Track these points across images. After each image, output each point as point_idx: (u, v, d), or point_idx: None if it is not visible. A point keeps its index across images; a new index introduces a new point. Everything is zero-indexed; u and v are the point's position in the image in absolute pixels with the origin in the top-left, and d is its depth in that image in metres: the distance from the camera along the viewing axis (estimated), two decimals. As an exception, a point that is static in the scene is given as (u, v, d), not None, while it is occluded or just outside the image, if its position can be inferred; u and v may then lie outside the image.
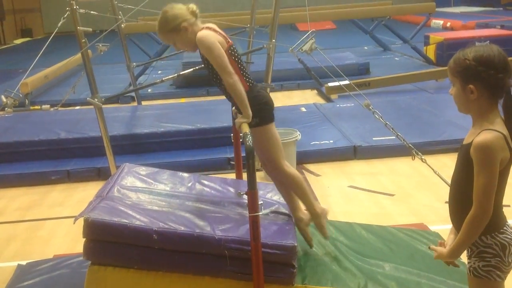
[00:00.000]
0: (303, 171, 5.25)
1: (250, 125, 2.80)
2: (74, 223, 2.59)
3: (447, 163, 5.16)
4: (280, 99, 8.27)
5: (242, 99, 2.79)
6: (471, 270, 2.04)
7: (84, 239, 2.56)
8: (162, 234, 2.52)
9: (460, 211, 2.02)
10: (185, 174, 3.39)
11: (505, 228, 2.01)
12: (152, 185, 3.15)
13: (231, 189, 3.21)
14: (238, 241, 2.54)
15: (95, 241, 2.54)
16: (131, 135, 5.77)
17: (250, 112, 2.78)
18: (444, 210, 4.15)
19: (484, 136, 1.89)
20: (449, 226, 3.95)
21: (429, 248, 2.24)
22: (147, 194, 3.01)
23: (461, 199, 2.03)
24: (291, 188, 3.03)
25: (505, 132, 1.91)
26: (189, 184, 3.25)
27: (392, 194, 4.58)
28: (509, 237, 2.01)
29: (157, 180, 3.23)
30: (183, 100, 8.60)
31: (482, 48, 1.95)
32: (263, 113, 2.89)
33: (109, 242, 2.53)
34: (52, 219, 4.49)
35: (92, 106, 5.07)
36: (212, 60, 2.82)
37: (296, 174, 3.04)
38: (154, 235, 2.50)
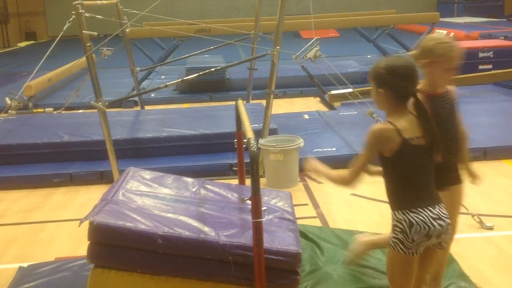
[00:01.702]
0: (306, 178, 5.24)
1: None
2: (79, 226, 2.59)
3: (450, 173, 5.16)
4: (283, 106, 8.28)
5: None
6: (388, 239, 2.37)
7: (88, 242, 2.56)
8: (167, 238, 2.52)
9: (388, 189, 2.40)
10: (190, 179, 3.39)
11: (420, 210, 2.28)
12: (157, 189, 3.15)
13: (235, 195, 3.20)
14: (242, 247, 2.53)
15: (100, 244, 2.54)
16: (134, 139, 5.78)
17: None
18: (447, 220, 4.16)
19: (377, 125, 2.35)
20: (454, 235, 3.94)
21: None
22: (152, 198, 3.01)
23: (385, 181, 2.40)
24: None
25: (403, 126, 2.28)
26: (194, 189, 3.25)
27: (394, 203, 4.57)
28: (419, 218, 2.26)
29: (161, 184, 3.23)
30: (186, 105, 8.61)
31: (393, 59, 2.37)
32: None
33: (113, 245, 2.53)
34: (54, 221, 4.49)
35: (95, 110, 5.08)
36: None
37: None
38: (158, 240, 2.49)
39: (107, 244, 2.54)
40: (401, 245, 2.29)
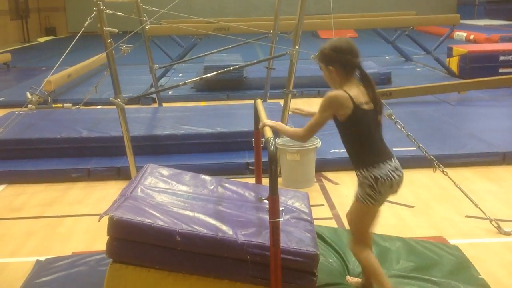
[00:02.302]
0: (322, 179, 5.23)
1: None
2: (99, 220, 2.61)
3: (468, 176, 5.12)
4: (300, 106, 8.25)
5: None
6: (355, 195, 2.73)
7: (107, 237, 2.58)
8: (185, 236, 2.53)
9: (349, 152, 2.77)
10: (207, 177, 3.40)
11: (381, 164, 2.64)
12: (175, 186, 3.16)
13: (253, 194, 3.20)
14: (260, 246, 2.53)
15: (119, 240, 2.55)
16: (152, 136, 5.81)
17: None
18: (465, 224, 4.14)
19: (333, 92, 2.67)
20: (470, 240, 3.92)
21: None
22: (170, 195, 3.02)
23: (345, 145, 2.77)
24: None
25: (355, 94, 2.63)
26: (211, 187, 3.26)
27: (411, 206, 4.54)
28: (383, 172, 2.63)
29: (180, 181, 3.24)
30: (203, 103, 8.63)
31: (335, 40, 2.73)
32: None
33: (132, 241, 2.54)
34: (72, 216, 4.52)
35: (113, 106, 5.11)
36: None
37: None
38: (177, 237, 2.50)
39: (126, 240, 2.55)
40: (370, 199, 2.66)
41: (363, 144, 2.67)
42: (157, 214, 2.65)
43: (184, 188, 3.17)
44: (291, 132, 2.86)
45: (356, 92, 2.64)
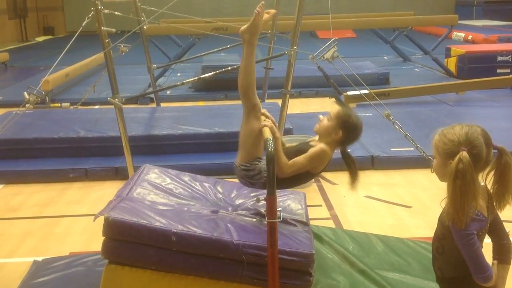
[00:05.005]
0: (320, 179, 5.23)
1: None
2: (94, 220, 2.60)
3: (466, 177, 5.11)
4: (298, 106, 8.27)
5: None
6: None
7: (103, 238, 2.57)
8: (181, 236, 2.52)
9: None
10: (204, 178, 3.40)
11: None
12: (171, 187, 3.15)
13: (250, 195, 3.19)
14: (256, 246, 2.52)
15: (114, 240, 2.55)
16: (149, 136, 5.80)
17: None
18: (462, 225, 4.12)
19: (328, 148, 2.85)
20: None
21: None
22: (166, 196, 3.01)
23: None
24: None
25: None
26: (208, 188, 3.26)
27: (409, 206, 4.54)
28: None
29: (176, 182, 3.23)
30: (201, 103, 8.63)
31: (359, 119, 2.97)
32: None
33: (128, 241, 2.53)
34: (69, 216, 4.52)
35: (111, 106, 5.10)
36: None
37: None
38: (172, 237, 2.49)
39: (121, 240, 2.54)
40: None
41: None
42: (152, 215, 2.64)
43: (181, 189, 3.16)
44: (278, 157, 2.62)
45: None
